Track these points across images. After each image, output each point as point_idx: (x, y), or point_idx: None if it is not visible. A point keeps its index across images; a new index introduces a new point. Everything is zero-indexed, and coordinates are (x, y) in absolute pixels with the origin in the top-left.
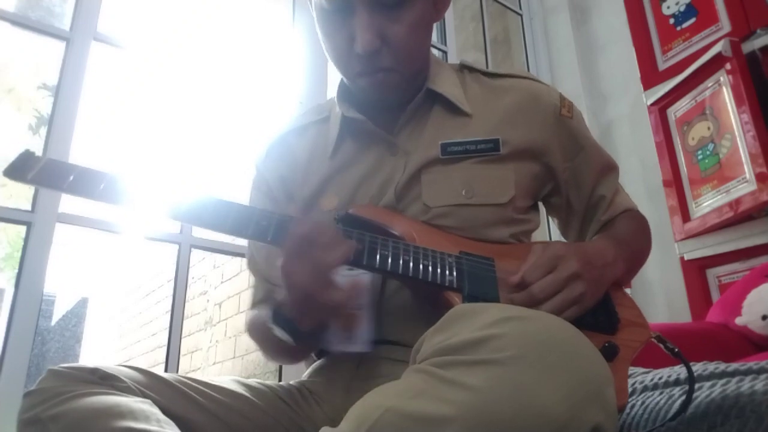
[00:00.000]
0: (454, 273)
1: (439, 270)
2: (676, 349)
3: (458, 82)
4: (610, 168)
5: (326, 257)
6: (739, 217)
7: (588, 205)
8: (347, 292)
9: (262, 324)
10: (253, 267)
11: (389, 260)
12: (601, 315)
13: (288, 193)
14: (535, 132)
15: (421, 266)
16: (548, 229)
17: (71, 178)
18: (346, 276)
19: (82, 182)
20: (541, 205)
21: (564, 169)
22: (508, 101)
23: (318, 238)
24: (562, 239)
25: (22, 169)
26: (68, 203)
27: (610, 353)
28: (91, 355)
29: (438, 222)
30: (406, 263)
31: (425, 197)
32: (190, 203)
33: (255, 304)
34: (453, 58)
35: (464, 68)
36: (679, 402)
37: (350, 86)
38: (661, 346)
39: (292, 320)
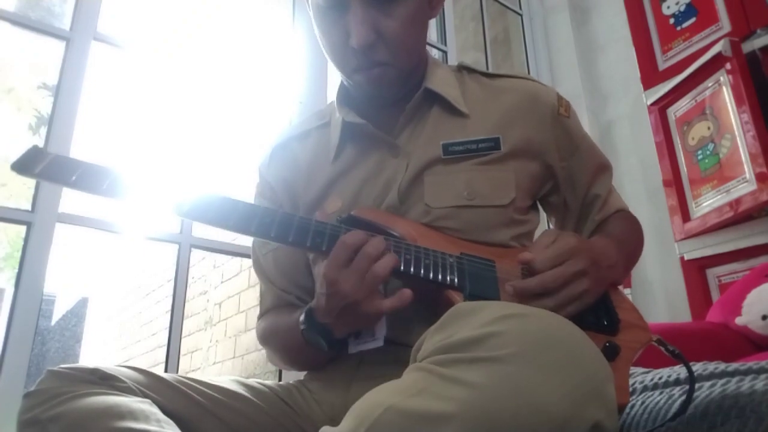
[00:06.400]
0: (456, 273)
1: (440, 269)
2: (677, 351)
3: (456, 82)
4: (604, 167)
5: (376, 268)
6: (739, 217)
7: (583, 204)
8: (392, 302)
9: (289, 331)
10: (259, 272)
11: None
12: (603, 316)
13: (292, 197)
14: (534, 131)
15: (422, 265)
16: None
17: (77, 174)
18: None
19: (88, 178)
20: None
21: (561, 168)
22: (507, 101)
23: (368, 248)
24: None
25: (29, 164)
26: (68, 203)
27: (611, 353)
28: (91, 355)
29: (440, 224)
30: (407, 261)
31: (427, 198)
32: (195, 200)
33: (265, 312)
34: (453, 58)
35: (463, 69)
36: (679, 402)
37: (347, 83)
38: (662, 348)
39: (326, 326)
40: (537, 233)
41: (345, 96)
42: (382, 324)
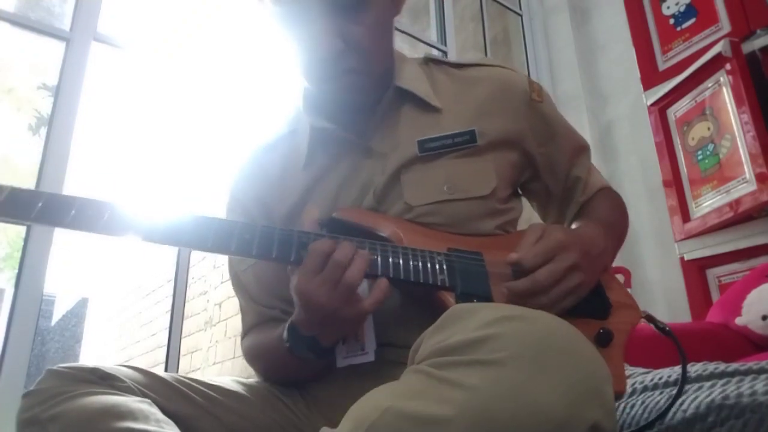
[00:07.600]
0: (445, 271)
1: (429, 270)
2: (667, 328)
3: (424, 76)
4: (582, 149)
5: (347, 277)
6: (739, 217)
7: (565, 187)
8: (373, 299)
9: (274, 348)
10: (239, 288)
11: (379, 264)
12: (594, 301)
13: (266, 211)
14: (510, 120)
15: (411, 268)
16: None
17: (39, 205)
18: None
19: (52, 210)
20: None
21: (540, 155)
22: (480, 92)
23: (337, 255)
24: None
25: None
26: None
27: (605, 339)
28: (91, 355)
29: (423, 220)
30: (396, 266)
31: (407, 197)
32: (166, 224)
33: (248, 330)
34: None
35: (429, 61)
36: (679, 401)
37: (316, 93)
38: (652, 325)
39: (313, 337)
40: (521, 220)
41: (312, 100)
42: (371, 337)
